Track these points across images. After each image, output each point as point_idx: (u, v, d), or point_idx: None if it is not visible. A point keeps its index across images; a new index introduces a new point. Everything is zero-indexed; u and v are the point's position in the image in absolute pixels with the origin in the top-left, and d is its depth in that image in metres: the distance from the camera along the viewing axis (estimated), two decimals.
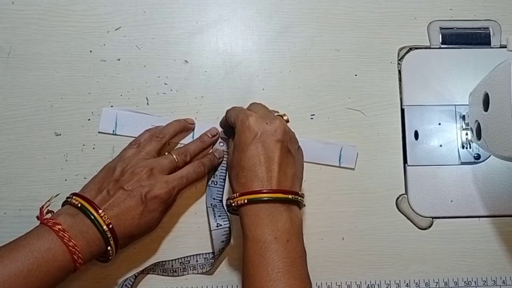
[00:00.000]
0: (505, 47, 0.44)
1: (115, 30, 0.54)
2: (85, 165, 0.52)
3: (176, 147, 0.52)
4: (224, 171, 0.51)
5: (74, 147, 0.52)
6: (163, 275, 0.50)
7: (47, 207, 0.46)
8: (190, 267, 0.50)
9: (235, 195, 0.43)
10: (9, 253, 0.39)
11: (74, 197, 0.44)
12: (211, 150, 0.52)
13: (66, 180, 0.51)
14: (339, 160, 0.52)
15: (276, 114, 0.47)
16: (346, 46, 0.55)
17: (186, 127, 0.52)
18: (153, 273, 0.50)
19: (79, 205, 0.43)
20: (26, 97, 0.52)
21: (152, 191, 0.44)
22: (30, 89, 0.52)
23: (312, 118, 0.53)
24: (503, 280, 0.52)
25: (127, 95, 0.53)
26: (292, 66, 0.54)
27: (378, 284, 0.51)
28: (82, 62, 0.53)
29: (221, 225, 0.48)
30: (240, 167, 0.43)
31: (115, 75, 0.53)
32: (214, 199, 0.51)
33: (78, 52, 0.53)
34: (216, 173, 0.51)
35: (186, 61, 0.54)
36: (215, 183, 0.51)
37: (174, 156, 0.48)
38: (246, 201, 0.42)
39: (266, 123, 0.44)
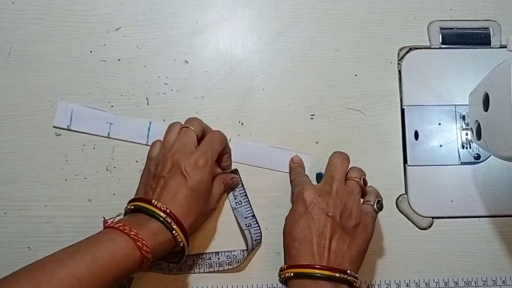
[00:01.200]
0: (505, 47, 0.44)
1: (115, 30, 0.54)
2: (85, 165, 0.52)
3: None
4: (243, 190, 0.51)
5: (74, 147, 0.52)
6: (159, 272, 0.50)
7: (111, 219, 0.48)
8: (186, 267, 0.50)
9: (283, 266, 0.43)
10: (87, 250, 0.39)
11: (128, 205, 0.44)
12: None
13: (66, 180, 0.51)
14: None
15: (354, 179, 0.46)
16: (346, 46, 0.55)
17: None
18: (149, 271, 0.50)
19: (133, 207, 0.43)
20: (27, 97, 0.52)
21: (188, 163, 0.44)
22: (31, 89, 0.52)
23: (312, 118, 0.53)
24: (503, 280, 0.52)
25: (127, 95, 0.53)
26: (292, 66, 0.54)
27: (378, 284, 0.51)
28: (83, 62, 0.53)
29: (253, 249, 0.50)
30: (292, 238, 0.43)
31: (115, 75, 0.53)
32: (246, 218, 0.50)
33: (78, 52, 0.53)
34: (235, 194, 0.51)
35: (186, 61, 0.54)
36: (240, 203, 0.51)
37: (192, 128, 0.47)
38: (292, 274, 0.41)
39: (319, 196, 0.44)
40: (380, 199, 0.47)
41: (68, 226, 0.51)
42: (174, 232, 0.42)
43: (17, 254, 0.50)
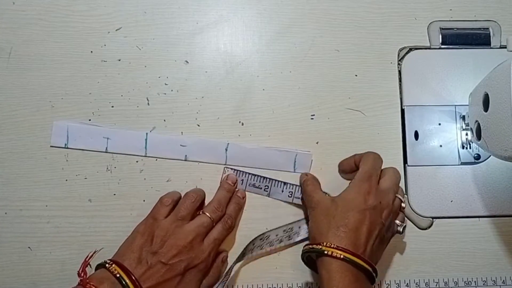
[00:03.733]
0: (505, 47, 0.44)
1: (116, 30, 0.54)
2: (85, 165, 0.52)
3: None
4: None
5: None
6: None
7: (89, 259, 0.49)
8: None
9: (329, 244, 0.43)
10: None
11: (113, 265, 0.43)
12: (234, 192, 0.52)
13: (66, 180, 0.51)
14: (294, 167, 0.52)
15: (401, 199, 0.49)
16: (346, 47, 0.55)
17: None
18: None
19: (118, 275, 0.43)
20: (27, 97, 0.52)
21: (191, 263, 0.45)
22: (31, 89, 0.52)
23: (312, 118, 0.53)
24: (503, 280, 0.52)
25: (128, 96, 0.53)
26: (293, 67, 0.54)
27: (378, 284, 0.51)
28: (83, 62, 0.53)
29: None
30: (344, 223, 0.44)
31: (116, 75, 0.53)
32: None
33: (78, 53, 0.53)
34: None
35: (187, 62, 0.54)
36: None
37: (208, 215, 0.48)
38: (342, 256, 0.42)
39: (380, 202, 0.46)
40: (405, 224, 0.49)
41: (68, 226, 0.51)
42: None
43: (17, 254, 0.50)
